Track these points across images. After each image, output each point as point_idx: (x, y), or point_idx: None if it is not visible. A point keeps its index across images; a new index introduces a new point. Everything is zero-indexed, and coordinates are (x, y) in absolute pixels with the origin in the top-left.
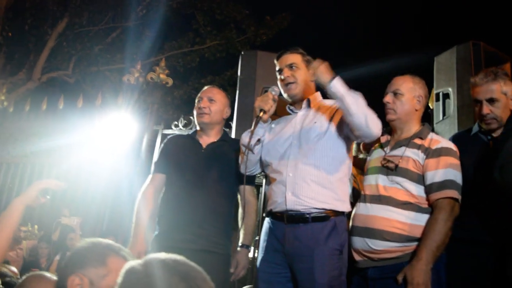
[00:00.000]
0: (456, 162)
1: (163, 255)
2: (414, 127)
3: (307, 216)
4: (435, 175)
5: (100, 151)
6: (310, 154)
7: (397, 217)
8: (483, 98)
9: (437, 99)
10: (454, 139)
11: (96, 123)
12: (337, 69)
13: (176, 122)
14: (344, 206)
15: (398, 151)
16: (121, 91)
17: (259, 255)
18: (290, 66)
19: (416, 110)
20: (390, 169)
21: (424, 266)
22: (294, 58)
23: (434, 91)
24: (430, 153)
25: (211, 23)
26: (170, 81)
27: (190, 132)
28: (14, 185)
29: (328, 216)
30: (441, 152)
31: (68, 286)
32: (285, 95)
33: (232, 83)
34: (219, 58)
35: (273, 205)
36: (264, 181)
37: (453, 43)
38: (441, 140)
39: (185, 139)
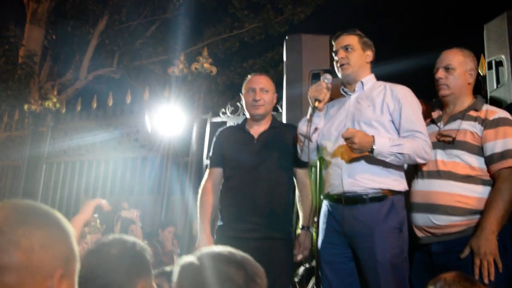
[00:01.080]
0: None
1: (215, 248)
2: (467, 100)
3: (364, 196)
4: (495, 145)
5: (152, 144)
6: None
7: (460, 191)
8: None
9: (490, 67)
10: (510, 109)
11: (146, 116)
12: (379, 45)
13: (223, 110)
14: (401, 185)
15: (453, 125)
16: (167, 83)
17: (319, 237)
18: (346, 48)
19: (469, 84)
20: (447, 143)
21: (489, 235)
22: (350, 39)
23: (486, 60)
24: (487, 124)
25: (247, 6)
26: (214, 70)
27: (238, 118)
28: (73, 181)
29: (385, 196)
30: (498, 122)
31: None
32: (339, 75)
33: (273, 65)
34: (259, 40)
35: (330, 187)
36: (317, 163)
37: (503, 8)
38: (497, 110)
39: (236, 130)
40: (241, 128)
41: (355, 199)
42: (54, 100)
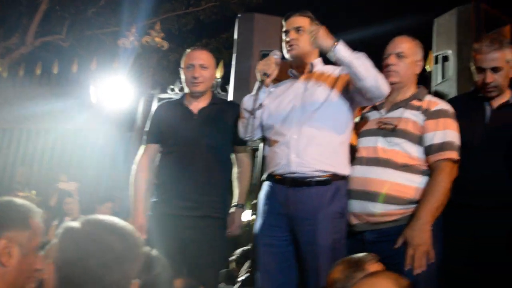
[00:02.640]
0: (455, 123)
1: (101, 217)
2: (411, 89)
3: (310, 179)
4: (434, 136)
5: (96, 116)
6: (314, 117)
7: (398, 180)
8: (488, 66)
9: (436, 62)
10: (452, 102)
11: (91, 87)
12: (333, 30)
13: (172, 86)
14: (345, 169)
15: (395, 113)
16: (117, 55)
17: (258, 219)
18: (297, 29)
19: (416, 74)
20: (388, 130)
21: (423, 226)
22: (302, 21)
23: (433, 53)
24: (429, 114)
25: None
26: (166, 45)
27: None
28: (10, 150)
29: (330, 180)
30: (439, 113)
31: None
32: (287, 56)
33: (228, 46)
34: (215, 20)
35: (275, 167)
36: (260, 145)
37: (453, 4)
38: (439, 102)
39: (175, 106)
40: (180, 104)
41: (301, 181)
42: None
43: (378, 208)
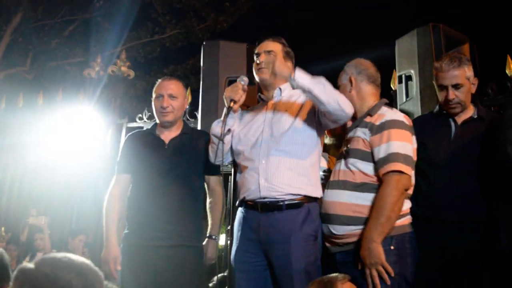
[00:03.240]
0: (402, 132)
1: (57, 255)
2: (366, 105)
3: (281, 203)
4: (379, 151)
5: (64, 148)
6: (282, 141)
7: (352, 200)
8: (449, 83)
9: (400, 81)
10: (417, 120)
11: (58, 119)
12: (298, 55)
13: (140, 115)
14: (316, 191)
15: (351, 133)
16: (82, 86)
17: (234, 245)
18: (268, 52)
19: (366, 90)
20: (345, 152)
21: (370, 245)
22: (274, 46)
23: (397, 73)
24: (374, 129)
25: (170, 12)
26: (132, 73)
27: (148, 125)
28: None
29: (301, 203)
30: (383, 126)
31: None
32: (257, 78)
33: (194, 72)
34: (180, 47)
35: (246, 193)
36: (233, 170)
37: (413, 25)
38: (386, 113)
39: (146, 136)
40: (151, 133)
41: (272, 205)
42: None
43: (339, 230)
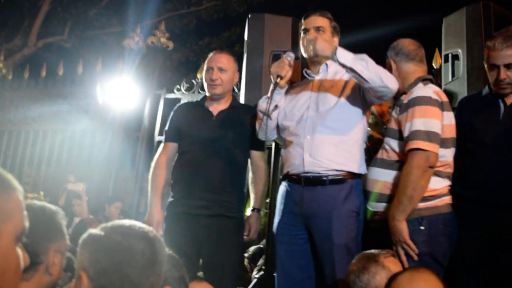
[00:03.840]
0: (427, 108)
1: (121, 222)
2: (408, 83)
3: (325, 178)
4: (405, 129)
5: (102, 117)
6: (327, 117)
7: (386, 178)
8: (501, 63)
9: (446, 61)
10: (462, 102)
11: (97, 89)
12: (343, 30)
13: (178, 86)
14: (360, 168)
15: (391, 112)
16: (122, 56)
17: (276, 217)
18: (317, 29)
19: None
20: (384, 130)
21: (393, 222)
22: (322, 21)
23: (443, 53)
24: (402, 108)
25: None
26: (171, 45)
27: (193, 96)
28: (17, 152)
29: (345, 179)
30: (409, 104)
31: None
32: (305, 55)
33: (230, 45)
34: (217, 19)
35: (290, 167)
36: (273, 145)
37: (462, 3)
38: (415, 90)
39: (194, 107)
40: (200, 105)
41: (315, 180)
42: (0, 65)
43: (372, 206)
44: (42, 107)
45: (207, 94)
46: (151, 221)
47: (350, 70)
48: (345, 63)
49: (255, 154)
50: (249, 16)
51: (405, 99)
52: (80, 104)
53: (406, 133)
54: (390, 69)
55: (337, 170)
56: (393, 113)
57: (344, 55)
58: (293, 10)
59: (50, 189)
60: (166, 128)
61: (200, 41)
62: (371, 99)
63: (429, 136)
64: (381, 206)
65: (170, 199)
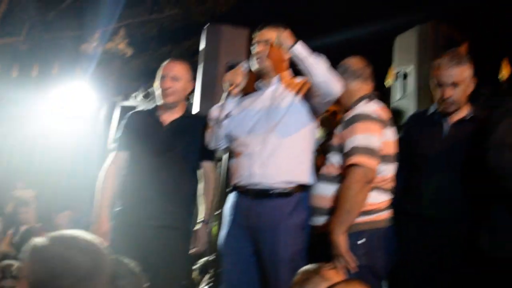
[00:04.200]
0: (367, 124)
1: (67, 233)
2: (352, 101)
3: (272, 191)
4: (345, 146)
5: (56, 122)
6: (277, 128)
7: (328, 192)
8: (447, 81)
9: (396, 78)
10: (410, 118)
11: (52, 93)
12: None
13: (134, 94)
14: (310, 178)
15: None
16: (79, 61)
17: (223, 229)
18: (266, 42)
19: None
20: (328, 146)
21: (333, 237)
22: (272, 34)
23: (394, 70)
24: (344, 124)
25: None
26: (129, 52)
27: (150, 104)
28: None
29: (292, 192)
30: (351, 120)
31: None
32: (253, 68)
33: (191, 54)
34: (178, 28)
35: (238, 179)
36: (223, 156)
37: (414, 23)
38: (358, 107)
39: (146, 116)
40: (152, 114)
41: (262, 193)
42: None
43: (317, 221)
44: None
45: (160, 102)
46: (98, 231)
47: (302, 60)
48: (300, 53)
49: (206, 165)
50: (205, 27)
51: (348, 115)
52: (33, 108)
53: (346, 149)
54: None
55: (285, 182)
56: (337, 130)
57: (302, 47)
58: (257, 21)
59: None
60: (117, 135)
61: (161, 49)
62: (317, 104)
63: (368, 151)
64: (320, 220)
65: (119, 207)
